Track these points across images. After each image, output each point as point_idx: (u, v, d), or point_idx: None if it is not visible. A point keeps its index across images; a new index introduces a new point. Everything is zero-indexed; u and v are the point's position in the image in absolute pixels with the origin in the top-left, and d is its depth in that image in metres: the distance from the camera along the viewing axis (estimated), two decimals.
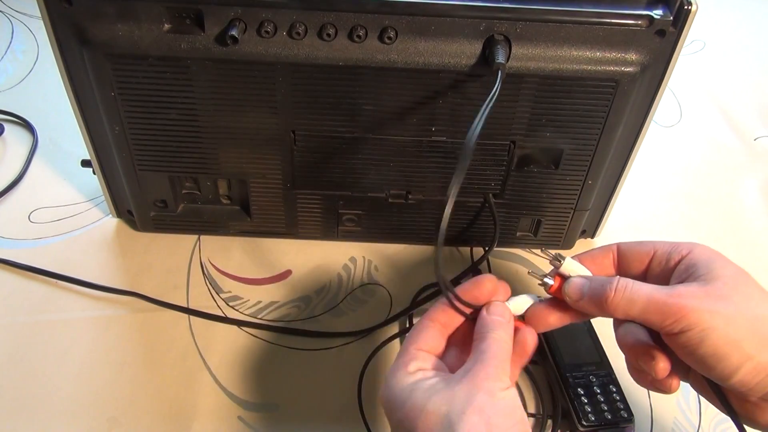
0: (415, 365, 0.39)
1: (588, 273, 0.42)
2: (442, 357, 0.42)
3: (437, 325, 0.42)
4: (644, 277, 0.42)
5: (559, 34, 0.47)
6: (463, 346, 0.42)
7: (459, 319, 0.43)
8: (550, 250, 0.43)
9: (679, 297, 0.36)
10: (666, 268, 0.40)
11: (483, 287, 0.42)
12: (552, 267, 0.43)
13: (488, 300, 0.42)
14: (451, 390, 0.36)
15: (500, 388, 0.36)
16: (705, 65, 0.91)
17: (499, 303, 0.42)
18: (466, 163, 0.40)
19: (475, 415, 0.34)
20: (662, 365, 0.41)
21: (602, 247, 0.44)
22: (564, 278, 0.42)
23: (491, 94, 0.44)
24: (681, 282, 0.39)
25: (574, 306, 0.41)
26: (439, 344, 0.42)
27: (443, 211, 0.61)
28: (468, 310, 0.42)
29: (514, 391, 0.37)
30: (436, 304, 0.43)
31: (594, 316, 0.41)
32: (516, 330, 0.42)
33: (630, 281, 0.39)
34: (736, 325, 0.35)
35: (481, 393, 0.35)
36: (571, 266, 0.42)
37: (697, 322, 0.36)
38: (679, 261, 0.40)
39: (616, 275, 0.42)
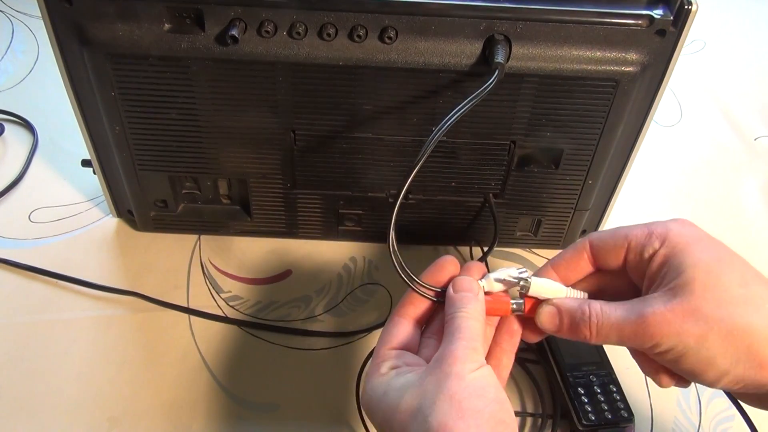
0: (387, 365, 0.39)
1: (559, 287, 0.41)
2: (419, 351, 0.41)
3: (407, 320, 0.41)
4: (623, 269, 0.40)
5: (559, 34, 0.47)
6: (440, 335, 0.40)
7: (429, 309, 0.42)
8: (516, 270, 0.41)
9: (647, 325, 0.35)
10: (641, 261, 0.39)
11: (445, 269, 0.42)
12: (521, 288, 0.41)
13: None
14: (422, 382, 0.35)
15: (470, 370, 0.35)
16: (705, 65, 0.91)
17: (464, 277, 0.41)
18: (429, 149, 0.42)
19: (445, 403, 0.34)
20: (666, 380, 0.40)
21: (575, 246, 0.42)
22: (536, 300, 0.41)
23: (482, 89, 0.44)
24: (653, 283, 0.37)
25: (557, 335, 0.40)
26: (413, 339, 0.41)
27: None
28: (431, 293, 0.41)
29: (486, 370, 0.36)
30: (403, 299, 0.42)
31: None
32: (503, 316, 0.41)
33: (599, 310, 0.37)
34: (707, 343, 0.34)
35: (450, 379, 0.35)
36: (538, 287, 0.41)
37: (670, 346, 0.35)
38: (653, 254, 0.38)
39: (595, 270, 0.41)
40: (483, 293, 0.41)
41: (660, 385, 0.40)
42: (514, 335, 0.42)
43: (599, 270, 0.42)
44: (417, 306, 0.42)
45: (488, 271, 0.42)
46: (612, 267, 0.41)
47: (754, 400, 0.38)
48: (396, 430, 0.35)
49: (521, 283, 0.41)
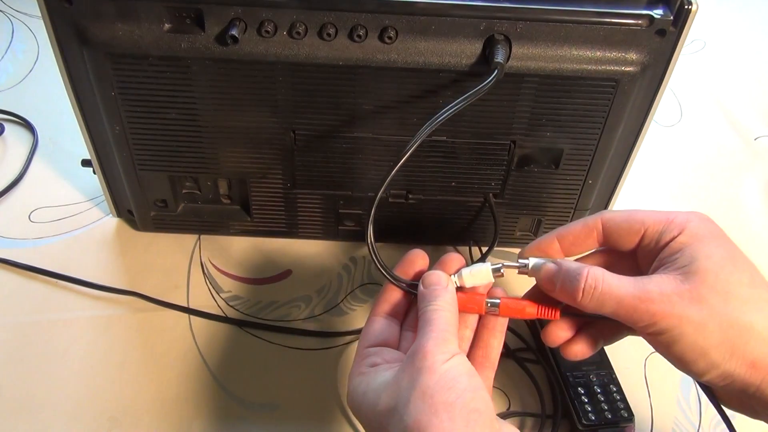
0: (367, 363, 0.39)
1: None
2: (399, 345, 0.42)
3: (383, 317, 0.42)
4: (634, 253, 0.40)
5: (559, 34, 0.47)
6: (416, 327, 0.40)
7: (404, 304, 0.43)
8: (488, 265, 0.42)
9: (651, 302, 0.35)
10: (656, 247, 0.39)
11: (415, 263, 0.43)
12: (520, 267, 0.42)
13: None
14: (397, 380, 0.36)
15: (441, 361, 0.35)
16: (705, 65, 0.91)
17: (433, 272, 0.41)
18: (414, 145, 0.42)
19: (418, 400, 0.34)
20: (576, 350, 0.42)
21: (585, 222, 0.41)
22: (512, 301, 0.42)
23: (478, 88, 0.44)
24: (663, 265, 0.37)
25: (550, 295, 0.40)
26: (391, 334, 0.42)
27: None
28: (404, 285, 0.42)
29: (458, 359, 0.36)
30: (377, 298, 0.43)
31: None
32: (482, 316, 0.43)
33: (600, 277, 0.37)
34: (705, 333, 0.34)
35: (422, 374, 0.35)
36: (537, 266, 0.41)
37: (666, 327, 0.35)
38: (670, 241, 0.38)
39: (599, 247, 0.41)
40: (453, 285, 0.41)
41: (568, 355, 0.42)
42: None
43: (604, 250, 0.42)
44: (391, 302, 0.43)
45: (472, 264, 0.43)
46: (622, 249, 0.41)
47: (736, 402, 0.38)
48: (377, 430, 0.36)
49: (521, 265, 0.41)
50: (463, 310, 0.41)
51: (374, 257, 0.41)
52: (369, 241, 0.41)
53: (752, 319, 0.35)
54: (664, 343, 0.36)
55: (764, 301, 0.35)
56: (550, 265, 0.40)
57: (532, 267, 0.41)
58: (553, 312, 0.41)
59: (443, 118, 0.43)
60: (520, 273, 0.42)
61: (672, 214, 0.39)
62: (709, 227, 0.38)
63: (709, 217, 0.39)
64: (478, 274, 0.42)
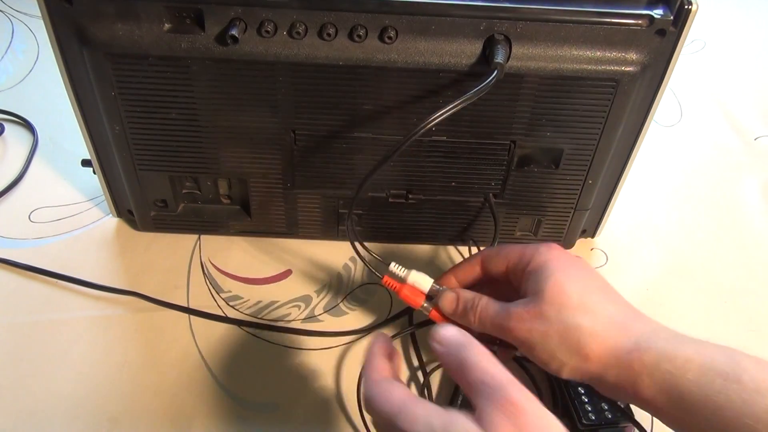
0: (400, 385, 0.38)
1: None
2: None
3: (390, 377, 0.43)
4: (506, 278, 0.48)
5: (559, 34, 0.47)
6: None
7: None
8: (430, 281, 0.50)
9: (509, 320, 0.44)
10: (518, 276, 0.47)
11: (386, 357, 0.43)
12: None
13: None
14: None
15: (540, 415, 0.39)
16: (705, 65, 0.91)
17: (447, 327, 0.41)
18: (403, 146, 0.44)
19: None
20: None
21: (470, 259, 0.51)
22: (440, 312, 0.49)
23: (478, 88, 0.44)
24: (525, 291, 0.45)
25: (450, 318, 0.48)
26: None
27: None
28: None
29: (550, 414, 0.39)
30: (371, 351, 0.43)
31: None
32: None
33: (484, 303, 0.46)
34: (549, 339, 0.42)
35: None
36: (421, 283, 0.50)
37: (522, 340, 0.43)
38: (523, 270, 0.46)
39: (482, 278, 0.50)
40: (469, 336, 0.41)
41: None
42: None
43: (490, 278, 0.50)
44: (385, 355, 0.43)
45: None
46: (497, 277, 0.49)
47: (605, 389, 0.43)
48: None
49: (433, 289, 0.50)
50: (406, 300, 0.50)
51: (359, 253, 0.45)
52: (349, 230, 0.43)
53: (580, 321, 0.42)
54: (527, 350, 0.44)
55: (592, 304, 0.42)
56: (451, 294, 0.48)
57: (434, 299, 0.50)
58: (416, 302, 0.50)
59: (442, 118, 0.44)
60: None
61: (526, 248, 0.47)
62: (553, 254, 0.45)
63: (557, 245, 0.47)
64: (421, 281, 0.50)
